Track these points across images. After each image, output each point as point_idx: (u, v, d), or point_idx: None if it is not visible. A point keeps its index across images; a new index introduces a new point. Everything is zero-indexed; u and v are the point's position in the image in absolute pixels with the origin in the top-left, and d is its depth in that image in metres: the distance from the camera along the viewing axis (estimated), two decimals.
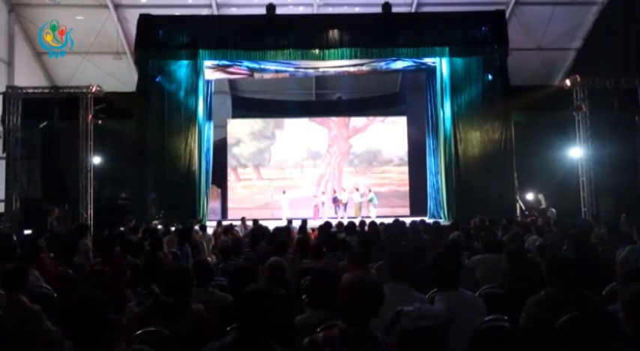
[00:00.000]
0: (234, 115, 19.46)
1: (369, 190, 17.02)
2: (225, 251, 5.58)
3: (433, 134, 15.93)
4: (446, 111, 14.45)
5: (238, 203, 18.26)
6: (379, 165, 19.11)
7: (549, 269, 3.08)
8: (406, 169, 18.75)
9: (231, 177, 18.92)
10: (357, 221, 10.15)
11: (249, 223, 11.00)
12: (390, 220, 9.33)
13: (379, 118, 19.29)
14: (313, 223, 11.79)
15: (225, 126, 18.91)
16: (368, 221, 9.22)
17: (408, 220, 9.50)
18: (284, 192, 17.30)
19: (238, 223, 11.70)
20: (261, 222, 10.55)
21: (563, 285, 2.99)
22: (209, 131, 15.67)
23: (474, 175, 13.88)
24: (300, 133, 19.07)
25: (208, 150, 15.53)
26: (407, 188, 18.63)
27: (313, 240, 6.90)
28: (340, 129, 19.28)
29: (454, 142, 14.17)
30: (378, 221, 9.34)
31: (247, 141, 19.20)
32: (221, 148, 18.23)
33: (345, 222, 10.16)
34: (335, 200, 16.85)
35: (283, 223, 11.98)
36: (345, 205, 16.66)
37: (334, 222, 9.65)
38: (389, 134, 19.03)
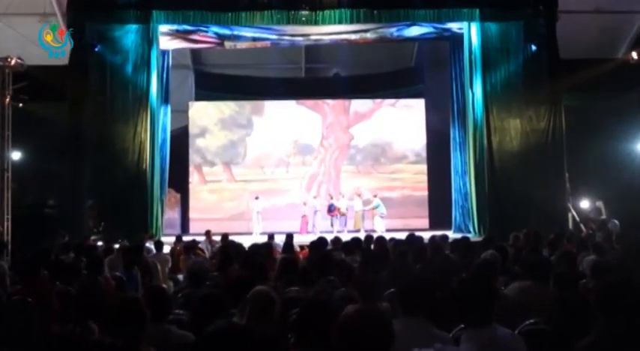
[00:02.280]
0: (199, 97, 19.53)
1: (374, 196, 17.10)
2: (196, 274, 5.62)
3: (460, 122, 16.08)
4: (476, 92, 14.56)
5: (203, 213, 18.31)
6: (389, 162, 19.24)
7: (602, 299, 3.10)
8: (424, 167, 18.84)
9: (194, 178, 18.94)
10: (360, 236, 10.26)
11: (217, 239, 11.12)
12: (402, 236, 9.48)
13: (389, 101, 19.41)
14: (302, 239, 11.94)
15: (186, 111, 18.97)
16: (375, 236, 9.37)
17: (426, 236, 9.61)
18: (257, 197, 17.38)
19: (203, 238, 11.81)
20: (233, 237, 10.65)
21: (621, 320, 2.98)
22: (165, 118, 15.74)
23: (512, 177, 14.07)
24: (286, 121, 19.14)
25: (164, 142, 15.59)
26: (425, 193, 18.73)
27: (302, 261, 6.99)
28: (338, 115, 19.35)
29: (487, 133, 14.32)
30: (388, 237, 9.45)
31: (215, 131, 19.23)
32: (181, 139, 18.28)
33: (345, 237, 10.28)
34: (331, 209, 16.92)
35: (258, 238, 12.05)
36: (345, 215, 16.76)
37: (330, 237, 9.76)
38: (402, 122, 19.14)
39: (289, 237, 9.63)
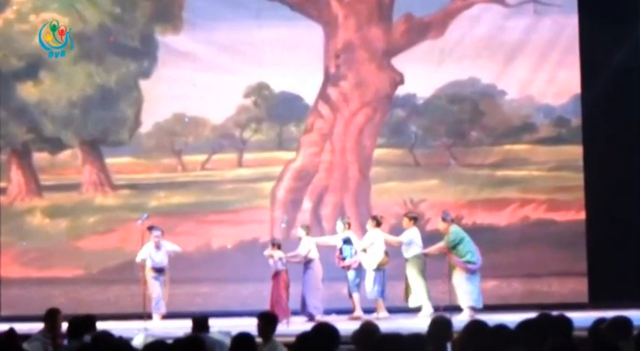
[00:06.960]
0: None
1: (451, 221, 14.91)
2: None
3: None
4: None
5: (34, 267, 16.47)
6: (490, 141, 17.70)
7: None
8: (578, 152, 17.06)
9: (13, 180, 17.11)
10: (417, 321, 10.70)
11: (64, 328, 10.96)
12: (524, 317, 7.31)
13: None
14: (278, 329, 10.45)
15: None
16: (459, 322, 8.58)
17: (581, 319, 8.31)
18: (143, 220, 15.77)
19: (37, 327, 10.95)
20: (108, 325, 9.98)
21: None
22: None
23: None
24: (237, 40, 17.14)
25: None
26: (581, 216, 17.04)
27: None
28: (364, 25, 17.66)
29: None
30: (489, 321, 7.36)
31: (64, 65, 17.36)
32: None
33: (383, 324, 9.63)
34: (344, 255, 14.74)
35: (170, 327, 11.90)
36: (383, 268, 14.69)
37: (345, 325, 9.31)
38: (521, 45, 17.05)
39: (243, 336, 8.22)
